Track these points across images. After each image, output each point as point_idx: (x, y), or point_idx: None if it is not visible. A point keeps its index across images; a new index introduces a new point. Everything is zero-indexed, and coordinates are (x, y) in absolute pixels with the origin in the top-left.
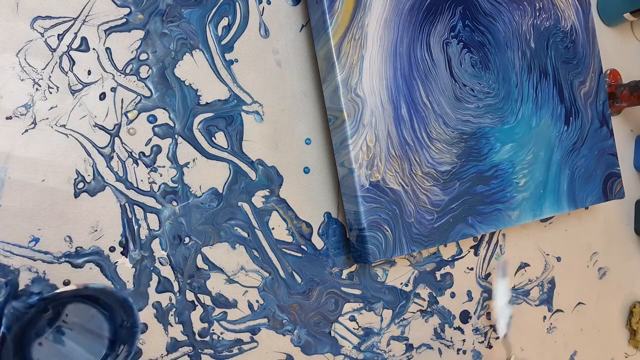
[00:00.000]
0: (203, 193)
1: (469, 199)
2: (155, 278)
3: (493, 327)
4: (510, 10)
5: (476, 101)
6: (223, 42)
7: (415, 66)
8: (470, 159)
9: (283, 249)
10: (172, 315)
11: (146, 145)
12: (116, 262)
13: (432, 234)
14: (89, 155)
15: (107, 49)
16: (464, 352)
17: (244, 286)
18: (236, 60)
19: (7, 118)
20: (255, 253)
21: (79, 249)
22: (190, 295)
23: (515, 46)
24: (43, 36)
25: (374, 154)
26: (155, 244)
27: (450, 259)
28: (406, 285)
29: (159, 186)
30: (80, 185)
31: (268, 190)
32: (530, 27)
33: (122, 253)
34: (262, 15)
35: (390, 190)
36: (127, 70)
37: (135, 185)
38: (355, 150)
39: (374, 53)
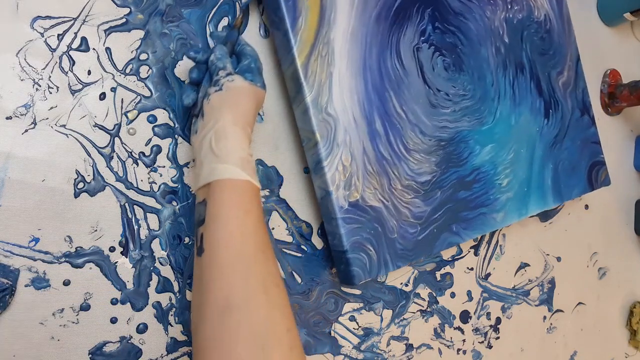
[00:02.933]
0: None
1: (451, 206)
2: (155, 278)
3: (493, 327)
4: (481, 7)
5: (452, 105)
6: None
7: (387, 77)
8: (450, 165)
9: (283, 249)
10: (172, 315)
11: (146, 145)
12: (116, 262)
13: (417, 247)
14: (89, 155)
15: (107, 49)
16: (464, 352)
17: None
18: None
19: (7, 118)
20: None
21: (79, 249)
22: (190, 296)
23: (488, 43)
24: (43, 36)
25: (351, 172)
26: (155, 244)
27: (450, 259)
28: (406, 285)
29: (159, 186)
30: (80, 185)
31: (268, 190)
32: (503, 22)
33: (122, 253)
34: (262, 15)
35: (371, 208)
36: (127, 70)
37: (135, 185)
38: (331, 171)
39: (343, 68)
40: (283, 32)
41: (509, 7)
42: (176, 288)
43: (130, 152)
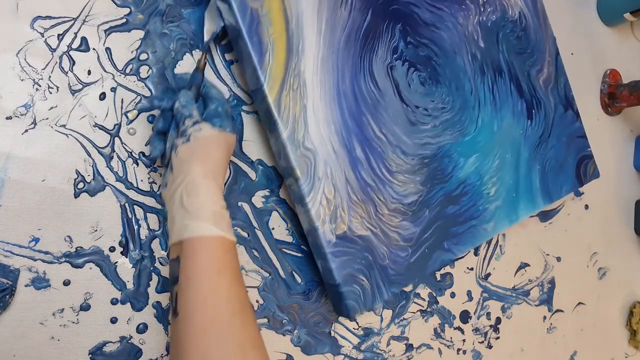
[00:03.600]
0: None
1: (441, 223)
2: (155, 278)
3: (493, 327)
4: (452, 13)
5: (432, 120)
6: (223, 42)
7: (362, 101)
8: (435, 182)
9: (283, 249)
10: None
11: (146, 145)
12: (116, 262)
13: (410, 270)
14: (89, 155)
15: (107, 49)
16: (464, 352)
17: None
18: (236, 61)
19: (7, 118)
20: (255, 253)
21: (79, 248)
22: None
23: (464, 51)
24: (43, 36)
25: (335, 205)
26: (155, 244)
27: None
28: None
29: (159, 186)
30: (80, 185)
31: (268, 190)
32: (477, 26)
33: (122, 253)
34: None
35: (359, 237)
36: (127, 70)
37: (135, 185)
38: (315, 207)
39: (317, 99)
40: (251, 69)
41: (482, 9)
42: None
43: (130, 152)
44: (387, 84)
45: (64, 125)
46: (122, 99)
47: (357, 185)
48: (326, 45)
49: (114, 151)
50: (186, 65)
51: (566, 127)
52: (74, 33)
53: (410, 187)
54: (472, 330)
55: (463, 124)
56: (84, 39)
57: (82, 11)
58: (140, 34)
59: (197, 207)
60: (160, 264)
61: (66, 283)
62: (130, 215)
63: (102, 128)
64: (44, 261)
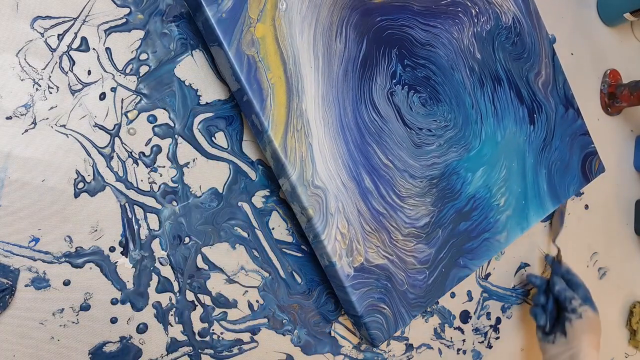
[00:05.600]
0: (203, 193)
1: (455, 241)
2: (155, 278)
3: (493, 327)
4: (446, 29)
5: (436, 140)
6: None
7: (366, 131)
8: (445, 201)
9: (283, 249)
10: (172, 315)
11: (146, 145)
12: (116, 262)
13: (429, 292)
14: (89, 155)
15: (107, 49)
16: (464, 352)
17: (244, 286)
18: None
19: (7, 118)
20: (255, 253)
21: (79, 249)
22: (190, 295)
23: (461, 65)
24: (43, 36)
25: (350, 238)
26: (155, 244)
27: None
28: None
29: (159, 186)
30: (80, 185)
31: (268, 190)
32: (472, 38)
33: (122, 253)
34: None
35: (376, 267)
36: (127, 70)
37: (135, 185)
38: (331, 243)
39: (321, 136)
40: (254, 115)
41: (475, 21)
42: (176, 288)
43: (130, 152)
44: (389, 110)
45: (64, 125)
46: (122, 99)
47: (370, 216)
48: (325, 81)
49: (114, 151)
50: (186, 65)
51: (568, 127)
52: (74, 33)
53: (421, 210)
54: (472, 330)
55: (467, 139)
56: (84, 39)
57: (82, 11)
58: (140, 34)
59: None
60: (161, 264)
61: (66, 283)
62: (130, 215)
63: (102, 128)
64: (44, 261)
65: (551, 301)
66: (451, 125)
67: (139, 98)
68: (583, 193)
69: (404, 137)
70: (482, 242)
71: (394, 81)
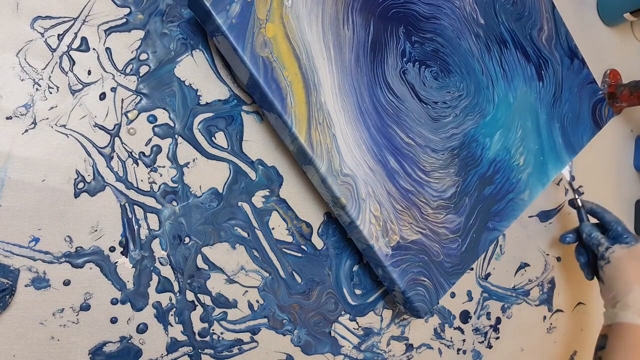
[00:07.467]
0: (203, 193)
1: (482, 206)
2: (155, 278)
3: (493, 327)
4: None
5: (452, 111)
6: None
7: (385, 113)
8: (468, 169)
9: (283, 249)
10: (172, 315)
11: (146, 145)
12: (116, 262)
13: (464, 259)
14: (89, 155)
15: (107, 49)
16: (464, 352)
17: (244, 286)
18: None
19: (7, 118)
20: (255, 253)
21: (79, 249)
22: (190, 295)
23: (466, 33)
24: (43, 36)
25: (384, 220)
26: (155, 244)
27: None
28: None
29: (159, 186)
30: (80, 185)
31: (268, 190)
32: (474, 4)
33: (122, 253)
34: None
35: (412, 242)
36: (127, 70)
37: (135, 185)
38: (366, 227)
39: (343, 125)
40: (277, 115)
41: None
42: (176, 288)
43: (131, 152)
44: (404, 89)
45: (64, 125)
46: (122, 99)
47: (399, 195)
48: (339, 70)
49: (114, 151)
50: (186, 65)
51: (575, 78)
52: (74, 33)
53: (447, 182)
54: (472, 330)
55: (481, 105)
56: (84, 39)
57: (82, 11)
58: (140, 34)
59: (625, 302)
60: (161, 264)
61: (66, 283)
62: (130, 215)
63: (102, 128)
64: (44, 261)
65: (586, 254)
66: (464, 94)
67: (139, 98)
68: (583, 193)
69: (421, 113)
70: (508, 203)
71: (405, 59)
